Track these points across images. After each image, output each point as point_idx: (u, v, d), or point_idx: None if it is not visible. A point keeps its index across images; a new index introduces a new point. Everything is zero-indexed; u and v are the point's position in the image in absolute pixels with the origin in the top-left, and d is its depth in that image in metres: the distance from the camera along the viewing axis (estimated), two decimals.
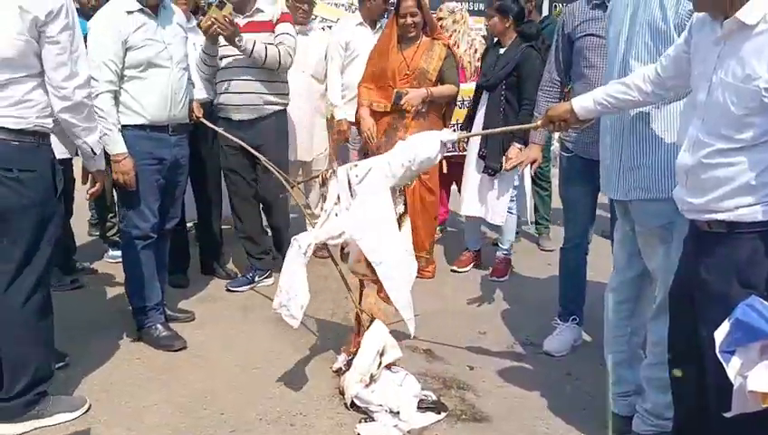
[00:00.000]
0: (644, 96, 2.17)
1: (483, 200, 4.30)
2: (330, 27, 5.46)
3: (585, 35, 3.12)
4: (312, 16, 4.87)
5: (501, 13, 4.10)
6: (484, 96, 4.23)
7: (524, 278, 4.49)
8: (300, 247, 2.62)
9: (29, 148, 2.41)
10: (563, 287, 3.44)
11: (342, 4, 5.80)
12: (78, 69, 2.43)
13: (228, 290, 4.05)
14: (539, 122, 2.52)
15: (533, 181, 5.26)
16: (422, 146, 2.61)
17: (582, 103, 2.33)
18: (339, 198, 2.68)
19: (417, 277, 2.89)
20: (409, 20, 4.02)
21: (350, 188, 2.63)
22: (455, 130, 4.23)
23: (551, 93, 3.30)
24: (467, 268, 4.59)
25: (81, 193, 4.36)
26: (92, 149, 2.61)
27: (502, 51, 4.18)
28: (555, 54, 3.28)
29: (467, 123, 4.45)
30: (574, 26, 3.16)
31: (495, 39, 4.32)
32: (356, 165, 2.70)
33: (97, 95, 3.03)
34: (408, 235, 2.80)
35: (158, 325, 3.32)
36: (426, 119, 4.08)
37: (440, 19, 5.23)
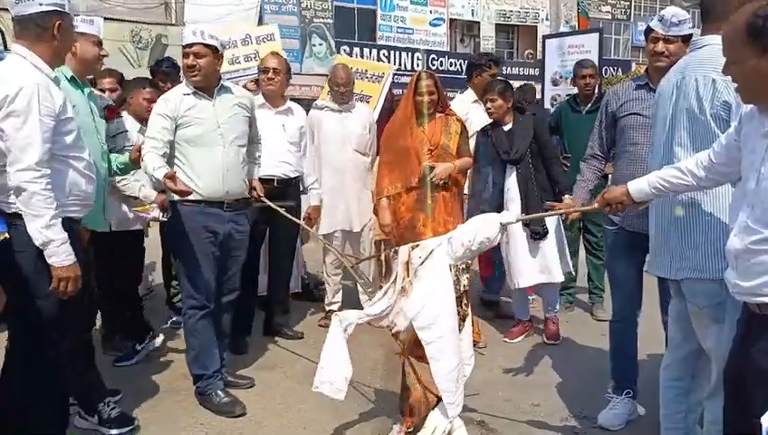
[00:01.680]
0: (697, 181, 2.25)
1: (538, 266, 4.37)
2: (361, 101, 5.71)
3: (629, 114, 3.27)
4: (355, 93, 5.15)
5: (504, 96, 4.38)
6: (510, 171, 4.39)
7: (578, 348, 4.49)
8: (340, 323, 2.72)
9: (21, 230, 2.52)
10: (615, 361, 3.44)
11: (368, 77, 6.09)
12: (23, 155, 2.45)
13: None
14: (596, 204, 2.60)
15: (587, 250, 5.30)
16: (482, 228, 2.72)
17: (638, 186, 2.40)
18: (395, 277, 2.79)
19: None
20: (427, 98, 4.11)
21: (408, 267, 2.74)
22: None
23: (592, 164, 3.51)
24: (519, 339, 4.64)
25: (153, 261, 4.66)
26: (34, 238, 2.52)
27: (506, 128, 4.42)
28: (599, 131, 3.46)
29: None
30: (618, 106, 3.33)
31: (493, 120, 4.49)
32: (418, 245, 2.81)
33: (144, 155, 3.30)
34: (469, 326, 2.87)
35: (218, 392, 3.45)
36: (450, 192, 4.19)
37: None
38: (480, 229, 2.71)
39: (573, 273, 4.84)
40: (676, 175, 2.29)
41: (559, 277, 4.45)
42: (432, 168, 4.09)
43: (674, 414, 2.61)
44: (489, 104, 4.41)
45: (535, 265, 4.37)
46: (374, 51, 18.65)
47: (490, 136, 4.46)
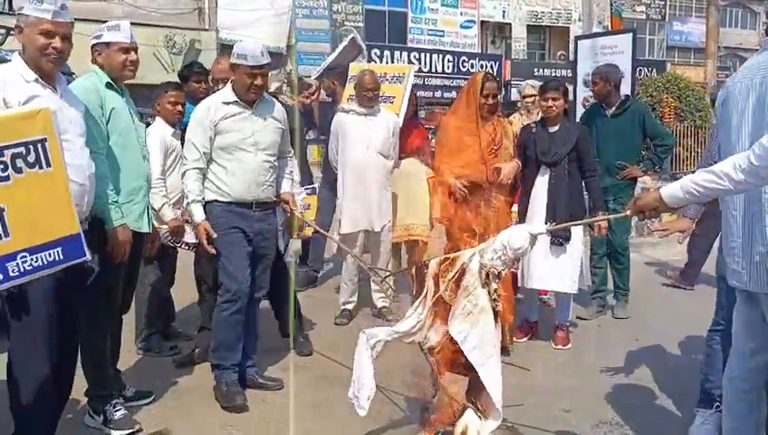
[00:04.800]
0: (735, 184, 2.15)
1: (554, 272, 4.31)
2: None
3: None
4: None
5: (566, 97, 4.36)
6: (543, 171, 4.34)
7: (609, 352, 4.39)
8: (368, 341, 2.75)
9: None
10: (710, 374, 3.16)
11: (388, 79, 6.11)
12: None
13: None
14: (628, 211, 2.53)
15: (610, 254, 5.21)
16: (512, 238, 2.69)
17: (671, 192, 2.32)
18: (426, 292, 2.77)
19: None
20: (491, 100, 4.24)
21: (437, 280, 2.72)
22: None
23: None
24: (524, 339, 4.63)
25: (186, 264, 4.72)
26: None
27: (552, 129, 4.36)
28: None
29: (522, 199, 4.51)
30: None
31: (540, 118, 4.49)
32: (448, 258, 2.80)
33: (184, 172, 3.52)
34: (498, 330, 2.86)
35: (227, 382, 3.54)
36: (505, 203, 4.30)
37: (527, 97, 5.46)
38: (510, 240, 2.69)
39: (586, 287, 4.71)
40: (712, 179, 2.18)
41: (572, 289, 4.37)
42: (499, 169, 4.15)
43: (743, 428, 2.48)
44: (551, 102, 4.33)
45: (550, 270, 4.30)
46: (404, 53, 18.65)
47: (533, 133, 4.41)
